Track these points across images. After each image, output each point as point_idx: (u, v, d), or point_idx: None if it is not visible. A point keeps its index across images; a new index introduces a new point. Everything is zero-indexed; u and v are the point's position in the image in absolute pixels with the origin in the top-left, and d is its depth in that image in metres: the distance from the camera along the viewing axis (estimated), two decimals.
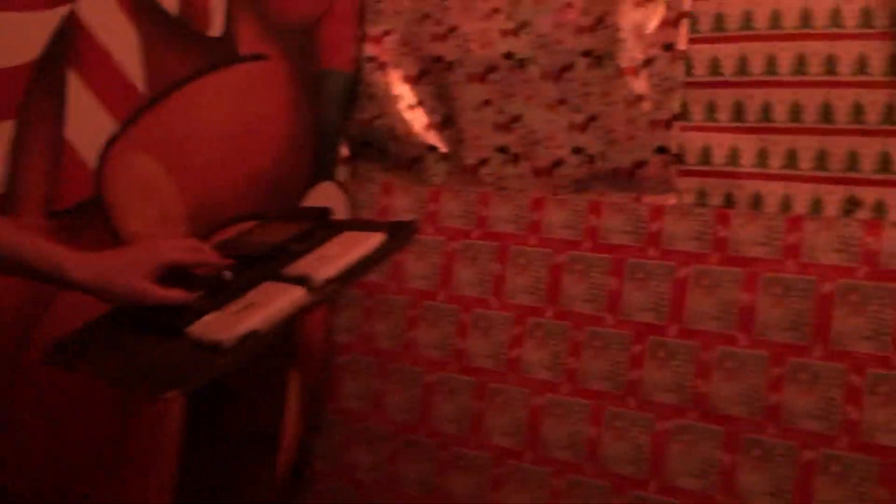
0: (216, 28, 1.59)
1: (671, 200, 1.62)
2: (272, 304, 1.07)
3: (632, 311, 1.62)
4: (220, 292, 1.14)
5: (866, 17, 1.48)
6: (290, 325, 1.11)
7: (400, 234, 1.20)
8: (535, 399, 1.68)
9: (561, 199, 1.71)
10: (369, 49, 1.94)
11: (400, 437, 1.80)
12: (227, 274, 1.16)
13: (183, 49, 1.52)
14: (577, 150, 1.71)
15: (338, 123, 1.93)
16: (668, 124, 1.63)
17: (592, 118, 1.71)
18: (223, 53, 1.61)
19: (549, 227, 1.72)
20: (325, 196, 1.86)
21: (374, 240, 1.16)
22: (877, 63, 1.47)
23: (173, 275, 1.14)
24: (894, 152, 1.46)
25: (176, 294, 1.12)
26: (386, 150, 1.91)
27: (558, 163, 1.73)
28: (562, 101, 1.74)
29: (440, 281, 1.80)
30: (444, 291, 1.80)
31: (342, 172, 1.94)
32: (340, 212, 1.88)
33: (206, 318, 1.09)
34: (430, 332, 1.79)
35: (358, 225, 1.29)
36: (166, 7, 1.48)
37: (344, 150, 1.95)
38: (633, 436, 1.59)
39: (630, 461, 1.58)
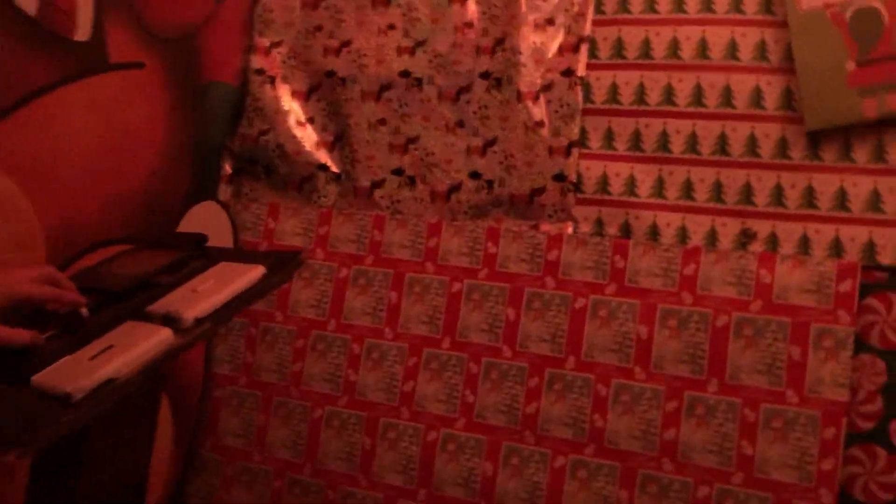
0: (83, 32, 1.44)
1: (569, 229, 1.59)
2: (134, 347, 0.95)
3: (529, 343, 1.57)
4: (75, 332, 1.01)
5: (761, 50, 1.49)
6: (156, 370, 0.99)
7: (283, 267, 1.10)
8: (430, 434, 1.60)
9: (458, 225, 1.65)
10: (257, 61, 1.82)
11: (284, 476, 1.68)
12: (84, 311, 1.02)
13: (44, 54, 1.37)
14: (475, 175, 1.66)
15: (221, 139, 1.80)
16: (566, 151, 1.59)
17: (491, 142, 1.66)
18: (91, 60, 1.46)
19: (445, 253, 1.65)
20: (205, 216, 1.72)
21: (254, 273, 1.06)
22: (771, 97, 1.48)
23: (22, 310, 1.00)
24: (787, 186, 1.47)
25: (23, 334, 0.98)
26: (273, 168, 1.80)
27: (456, 187, 1.67)
28: (460, 124, 1.68)
29: (330, 309, 1.70)
30: (335, 320, 1.70)
31: (225, 191, 1.82)
32: (222, 233, 1.75)
33: (58, 362, 0.96)
34: (319, 364, 1.69)
35: (237, 255, 1.18)
36: (23, 6, 1.32)
37: (227, 168, 1.82)
38: (530, 472, 1.53)
39: (526, 499, 1.52)
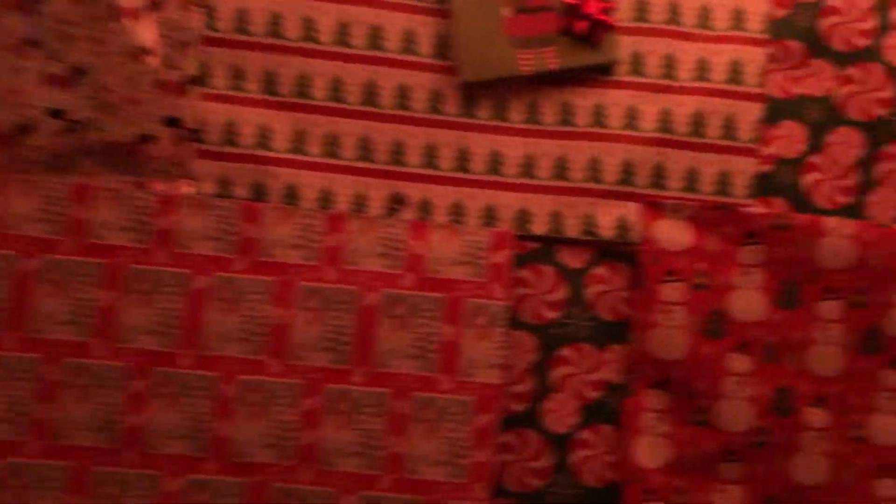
0: None
1: (186, 189, 1.26)
2: None
3: (130, 335, 1.23)
4: None
5: None
6: None
7: None
8: None
9: (31, 181, 1.24)
10: None
11: None
12: None
13: None
14: (56, 113, 1.27)
15: None
16: (181, 89, 1.26)
17: (78, 71, 1.27)
18: None
19: (13, 220, 1.22)
20: None
21: None
22: (424, 41, 1.29)
23: None
24: (441, 145, 1.29)
25: None
26: None
27: (26, 128, 1.25)
28: (33, 43, 1.26)
29: None
30: None
31: None
32: None
33: None
34: None
35: None
36: None
37: None
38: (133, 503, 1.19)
39: None
